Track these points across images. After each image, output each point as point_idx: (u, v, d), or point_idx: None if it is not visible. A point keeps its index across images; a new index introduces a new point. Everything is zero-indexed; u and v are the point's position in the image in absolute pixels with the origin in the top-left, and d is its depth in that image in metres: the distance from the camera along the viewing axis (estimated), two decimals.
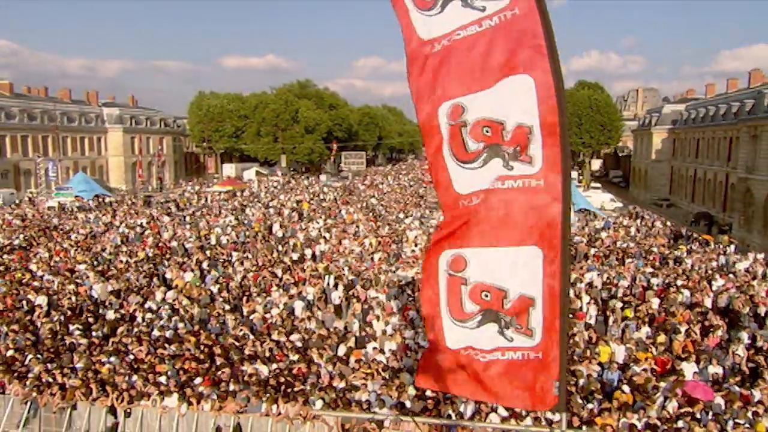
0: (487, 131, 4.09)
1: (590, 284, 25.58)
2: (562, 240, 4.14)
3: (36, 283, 23.69)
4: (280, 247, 32.52)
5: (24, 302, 21.28)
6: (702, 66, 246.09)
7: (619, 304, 22.29)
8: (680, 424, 12.22)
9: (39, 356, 15.16)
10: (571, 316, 21.33)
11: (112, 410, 13.24)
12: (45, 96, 78.10)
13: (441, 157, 4.36)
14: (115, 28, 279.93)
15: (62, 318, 19.35)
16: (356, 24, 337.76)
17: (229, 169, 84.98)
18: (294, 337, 17.28)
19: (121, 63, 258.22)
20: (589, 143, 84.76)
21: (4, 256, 29.75)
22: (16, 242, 33.79)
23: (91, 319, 19.13)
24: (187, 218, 43.55)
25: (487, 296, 4.42)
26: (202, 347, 16.19)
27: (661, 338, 18.46)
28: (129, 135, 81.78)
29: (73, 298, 21.49)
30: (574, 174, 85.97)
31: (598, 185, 76.42)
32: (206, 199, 58.61)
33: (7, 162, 67.45)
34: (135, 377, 13.93)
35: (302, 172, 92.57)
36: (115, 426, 13.18)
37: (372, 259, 29.74)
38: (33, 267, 27.25)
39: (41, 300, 21.24)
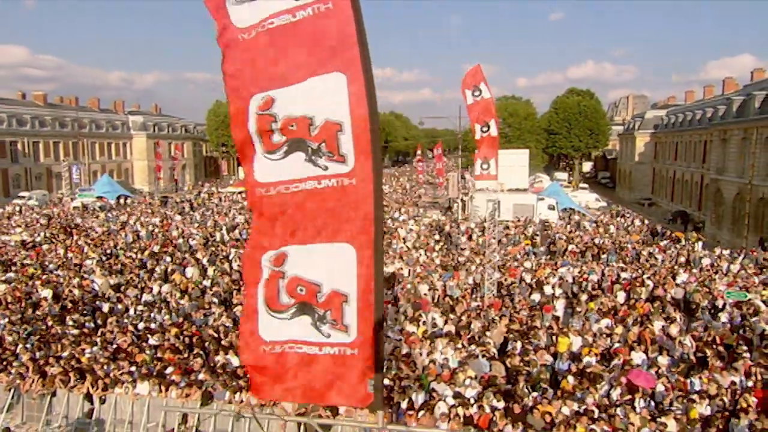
0: (293, 126, 3.86)
1: (562, 279, 25.22)
2: (375, 238, 3.91)
3: (45, 277, 23.68)
4: None
5: (32, 295, 21.28)
6: (690, 75, 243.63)
7: (585, 297, 21.97)
8: (618, 411, 11.89)
9: (27, 346, 15.04)
10: (539, 308, 21.04)
11: (89, 397, 13.12)
12: (75, 105, 78.43)
13: (250, 146, 4.14)
14: (150, 44, 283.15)
15: (60, 310, 19.31)
16: (369, 36, 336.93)
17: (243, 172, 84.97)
18: None
19: (156, 75, 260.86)
20: (578, 147, 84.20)
21: (22, 252, 29.85)
22: (38, 239, 33.91)
23: (87, 311, 19.04)
24: (198, 217, 43.53)
25: (302, 290, 4.20)
26: (182, 338, 16.02)
27: (619, 330, 18.12)
28: (152, 140, 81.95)
29: (75, 291, 21.42)
30: (564, 175, 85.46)
31: (586, 186, 75.78)
32: (220, 199, 58.57)
33: (41, 166, 68.07)
34: (111, 366, 13.79)
35: None
36: (90, 412, 13.06)
37: None
38: (47, 262, 27.34)
39: (46, 293, 21.20)
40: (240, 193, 61.95)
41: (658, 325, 18.29)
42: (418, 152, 64.83)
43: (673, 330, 17.59)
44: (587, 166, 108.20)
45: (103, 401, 13.07)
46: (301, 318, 4.28)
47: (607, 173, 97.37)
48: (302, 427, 12.13)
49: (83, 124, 73.27)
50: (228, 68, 3.99)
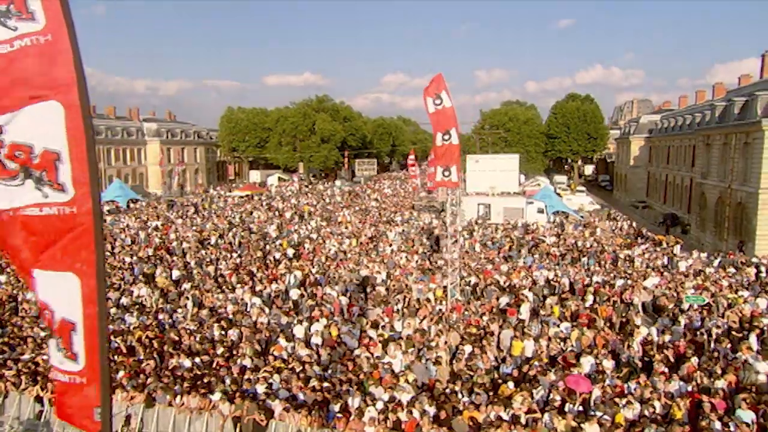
0: (19, 154, 3.80)
1: (534, 282, 24.94)
2: (96, 266, 3.85)
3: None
4: (268, 247, 32.28)
5: (17, 297, 21.48)
6: (697, 79, 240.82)
7: (550, 301, 21.67)
8: (546, 416, 11.69)
9: None
10: (504, 312, 20.78)
11: (39, 399, 13.18)
12: (93, 113, 79.20)
13: None
14: (174, 53, 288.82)
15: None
16: (383, 45, 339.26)
17: (255, 176, 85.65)
18: (232, 331, 17.02)
19: (179, 83, 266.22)
20: (577, 150, 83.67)
21: None
22: None
23: None
24: (199, 220, 43.57)
25: (47, 314, 4.15)
26: (142, 340, 16.03)
27: (575, 334, 17.84)
28: (166, 146, 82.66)
29: None
30: (564, 178, 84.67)
31: (583, 189, 75.05)
32: (225, 202, 58.70)
33: None
34: None
35: (321, 177, 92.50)
36: (40, 413, 13.11)
37: (344, 258, 29.41)
38: None
39: (30, 295, 21.30)
40: (245, 196, 62.26)
41: (644, 330, 18.04)
42: (411, 157, 64.41)
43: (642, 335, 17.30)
44: (589, 169, 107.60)
45: (52, 403, 13.10)
46: (50, 342, 4.28)
47: (607, 176, 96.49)
48: (238, 426, 12.05)
49: (99, 131, 74.07)
50: None
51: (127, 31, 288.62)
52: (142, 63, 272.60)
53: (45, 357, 14.54)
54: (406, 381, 13.20)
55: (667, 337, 17.47)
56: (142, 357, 14.94)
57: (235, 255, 29.63)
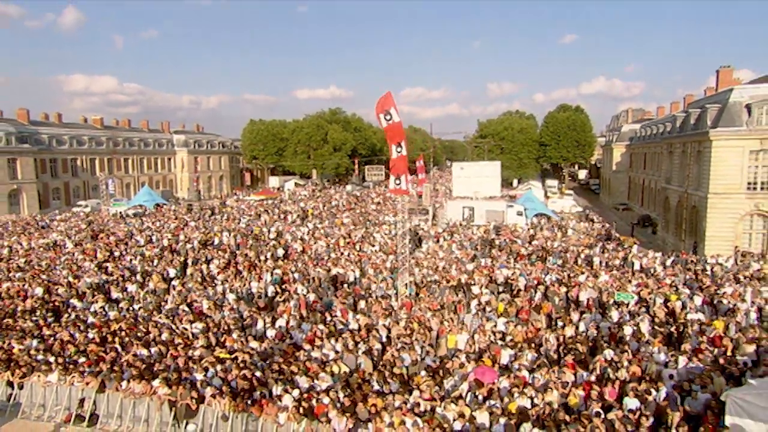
0: None
1: (491, 280, 24.91)
2: None
3: (44, 276, 24.54)
4: (262, 247, 32.58)
5: (28, 290, 22.11)
6: (694, 89, 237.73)
7: (491, 297, 21.65)
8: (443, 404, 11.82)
9: None
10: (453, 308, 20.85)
11: (11, 383, 13.70)
12: (128, 127, 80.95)
13: None
14: (215, 70, 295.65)
15: (44, 305, 20.07)
16: (403, 60, 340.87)
17: (274, 181, 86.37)
18: (197, 324, 17.37)
19: (220, 98, 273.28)
20: (567, 157, 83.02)
21: (46, 255, 30.92)
22: (68, 243, 34.96)
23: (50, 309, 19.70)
24: (210, 223, 44.04)
25: None
26: (115, 332, 16.49)
27: (511, 329, 17.89)
28: (193, 155, 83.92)
29: (61, 290, 22.17)
30: (555, 182, 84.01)
31: (571, 192, 74.43)
32: (241, 206, 59.16)
33: (96, 179, 70.42)
34: (40, 356, 14.34)
35: (334, 182, 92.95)
36: (9, 396, 13.64)
37: (326, 258, 29.63)
38: (58, 263, 28.31)
39: (38, 290, 21.99)
40: (260, 200, 62.83)
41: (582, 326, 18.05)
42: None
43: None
44: (582, 174, 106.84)
45: (21, 387, 13.64)
46: None
47: (597, 180, 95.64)
48: (173, 410, 12.41)
49: (133, 143, 75.60)
50: None
51: (175, 53, 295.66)
52: (187, 80, 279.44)
53: (21, 347, 15.12)
54: (331, 372, 13.43)
55: (593, 332, 17.51)
56: (107, 347, 15.38)
57: (229, 254, 30.04)
